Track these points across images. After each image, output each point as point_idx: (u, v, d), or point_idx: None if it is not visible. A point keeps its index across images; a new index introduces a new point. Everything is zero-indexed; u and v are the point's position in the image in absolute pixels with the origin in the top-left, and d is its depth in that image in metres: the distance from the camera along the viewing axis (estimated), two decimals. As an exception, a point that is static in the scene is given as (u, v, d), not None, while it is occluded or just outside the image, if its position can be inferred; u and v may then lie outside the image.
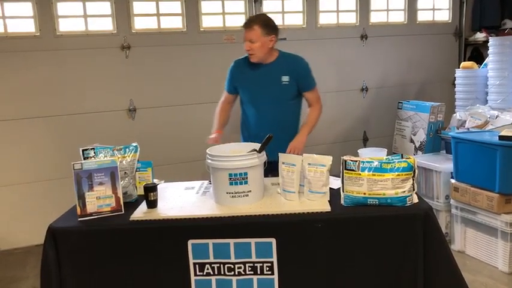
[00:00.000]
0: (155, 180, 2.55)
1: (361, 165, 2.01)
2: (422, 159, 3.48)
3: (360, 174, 2.00)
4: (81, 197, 2.09)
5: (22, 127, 3.62)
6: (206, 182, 2.51)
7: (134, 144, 2.39)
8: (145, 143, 3.90)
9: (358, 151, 2.56)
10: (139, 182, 2.41)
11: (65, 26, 3.64)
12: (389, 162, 2.01)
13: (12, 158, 3.63)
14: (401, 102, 4.09)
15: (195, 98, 3.99)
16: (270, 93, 2.72)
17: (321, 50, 4.29)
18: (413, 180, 2.01)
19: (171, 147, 4.01)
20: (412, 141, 3.97)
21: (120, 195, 2.15)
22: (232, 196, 2.09)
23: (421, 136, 3.87)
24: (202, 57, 3.96)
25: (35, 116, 3.64)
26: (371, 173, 1.99)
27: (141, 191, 2.27)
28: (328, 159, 2.12)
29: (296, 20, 4.29)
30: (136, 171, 2.39)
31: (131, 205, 2.20)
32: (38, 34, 3.57)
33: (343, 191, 2.05)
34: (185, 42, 3.93)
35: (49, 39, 3.59)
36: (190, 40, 3.93)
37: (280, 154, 2.21)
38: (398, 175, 1.98)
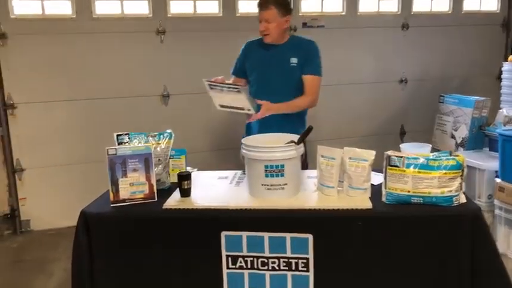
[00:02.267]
0: (188, 168, 2.51)
1: (406, 161, 1.90)
2: (464, 156, 3.31)
3: (405, 171, 1.89)
4: (115, 183, 2.06)
5: (57, 109, 3.64)
6: (240, 172, 2.44)
7: (169, 131, 2.33)
8: (179, 130, 3.85)
9: (400, 146, 2.44)
10: (173, 170, 2.36)
11: (101, 8, 3.62)
12: (437, 159, 1.89)
13: (47, 140, 3.66)
14: (443, 96, 3.92)
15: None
16: (277, 73, 2.64)
17: (359, 39, 4.15)
18: (461, 179, 1.89)
19: (204, 135, 3.96)
20: (453, 136, 3.80)
21: (154, 182, 2.10)
22: (267, 188, 2.01)
23: (463, 132, 3.70)
24: (238, 43, 3.86)
25: (70, 98, 3.65)
26: (417, 170, 1.87)
27: (174, 179, 2.23)
28: (370, 154, 2.01)
29: (335, 6, 4.15)
30: (170, 158, 2.35)
31: (164, 192, 2.15)
32: (74, 16, 3.56)
33: (385, 188, 1.95)
34: (221, 27, 3.85)
35: (85, 22, 3.57)
36: (226, 25, 3.86)
37: (319, 147, 2.11)
38: (445, 173, 1.86)
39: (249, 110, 2.44)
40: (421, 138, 4.49)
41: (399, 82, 4.40)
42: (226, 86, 2.43)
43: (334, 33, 4.00)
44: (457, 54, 4.49)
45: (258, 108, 2.45)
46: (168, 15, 3.74)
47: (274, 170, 2.00)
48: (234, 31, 3.87)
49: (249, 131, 2.76)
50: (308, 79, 2.62)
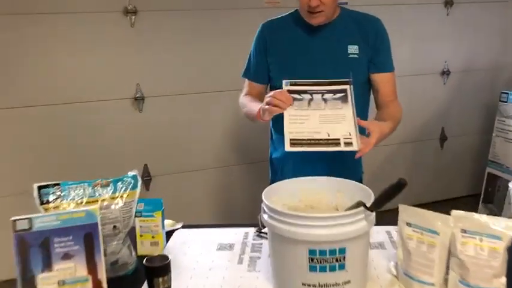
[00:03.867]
0: (168, 223, 1.58)
1: None
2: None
3: None
4: (28, 282, 1.11)
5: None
6: (252, 232, 1.51)
7: (132, 173, 1.40)
8: (157, 144, 2.88)
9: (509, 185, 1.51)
10: (142, 236, 1.43)
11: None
12: None
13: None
14: (507, 93, 2.99)
15: (224, 82, 2.94)
16: (327, 70, 1.60)
17: (391, 19, 3.10)
18: None
19: (191, 149, 3.00)
20: (521, 146, 2.90)
21: (103, 274, 1.16)
22: (314, 291, 1.08)
23: (536, 140, 2.80)
24: (235, 27, 2.90)
25: (6, 106, 2.64)
26: None
27: (144, 251, 1.37)
28: (508, 226, 1.08)
29: (360, -22, 3.18)
30: (136, 217, 1.42)
31: (126, 283, 1.22)
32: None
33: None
34: (212, 5, 2.86)
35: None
36: (218, 3, 2.87)
37: (401, 207, 1.18)
38: None
39: (348, 141, 1.38)
40: (466, 144, 3.63)
41: (440, 74, 3.47)
42: (323, 85, 1.49)
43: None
44: None
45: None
46: (141, -11, 2.74)
47: (326, 259, 1.07)
48: (228, 9, 2.89)
49: (274, 166, 1.85)
50: (386, 79, 1.68)
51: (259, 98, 1.75)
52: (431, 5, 3.33)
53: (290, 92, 1.48)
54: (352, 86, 1.49)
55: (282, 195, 1.30)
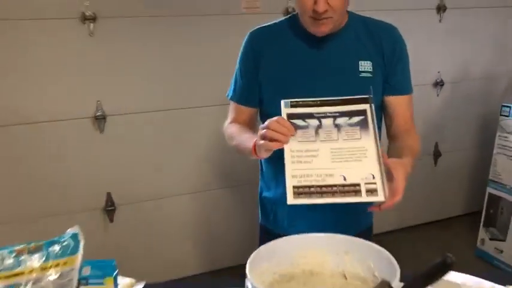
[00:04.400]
0: (124, 285, 1.26)
1: None
2: None
3: None
4: None
5: None
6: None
7: (72, 231, 1.06)
8: (122, 169, 2.53)
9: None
10: (88, 312, 1.09)
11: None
12: None
13: None
14: (508, 107, 2.74)
15: (200, 98, 2.61)
16: (334, 91, 1.24)
17: None
18: None
19: (162, 174, 2.65)
20: (525, 165, 2.65)
21: None
22: None
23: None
24: (210, 35, 2.57)
25: None
26: None
27: None
28: None
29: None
30: (81, 285, 1.08)
31: None
32: None
33: None
34: (184, 11, 2.53)
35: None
36: (191, 9, 2.54)
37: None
38: None
39: (371, 187, 1.05)
40: (462, 161, 3.38)
41: (433, 85, 3.21)
42: (335, 105, 1.15)
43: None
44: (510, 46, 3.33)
45: None
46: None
47: None
48: (200, 15, 2.56)
49: (266, 209, 1.51)
50: (404, 103, 1.37)
51: (250, 124, 1.43)
52: (422, 11, 3.07)
53: (291, 116, 1.14)
54: (373, 105, 1.16)
55: (273, 260, 0.97)
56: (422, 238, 3.08)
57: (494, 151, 2.80)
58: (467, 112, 3.29)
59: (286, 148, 1.10)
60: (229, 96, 1.45)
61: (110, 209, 2.56)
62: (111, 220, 2.58)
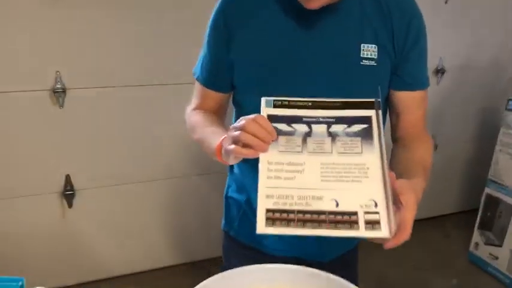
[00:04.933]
0: None
1: None
2: None
3: None
4: None
5: None
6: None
7: None
8: (83, 149, 2.25)
9: None
10: None
11: None
12: None
13: None
14: (513, 100, 2.49)
15: (173, 73, 2.32)
16: (329, 81, 1.01)
17: None
18: None
19: (127, 156, 2.39)
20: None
21: None
22: None
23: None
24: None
25: None
26: None
27: None
28: None
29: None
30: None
31: None
32: None
33: None
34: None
35: None
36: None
37: None
38: None
39: (373, 219, 0.77)
40: (459, 154, 3.15)
41: (434, 72, 2.94)
42: (331, 108, 0.89)
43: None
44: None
45: None
46: None
47: None
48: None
49: (231, 211, 1.26)
50: (417, 100, 1.08)
51: (219, 112, 1.16)
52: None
53: (273, 119, 0.87)
54: (380, 111, 0.89)
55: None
56: (412, 238, 2.84)
57: (496, 148, 2.56)
58: (469, 103, 3.04)
59: (263, 158, 0.84)
60: (195, 75, 1.16)
61: (69, 193, 2.29)
62: (70, 206, 2.32)
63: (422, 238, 2.87)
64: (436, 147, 3.06)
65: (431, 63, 2.90)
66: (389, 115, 1.11)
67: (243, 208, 1.20)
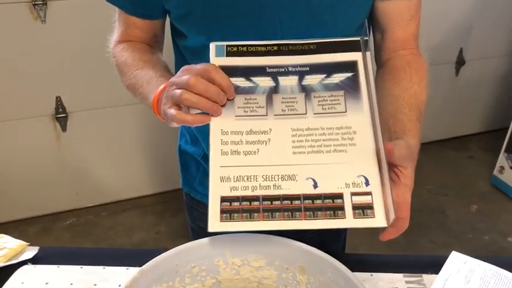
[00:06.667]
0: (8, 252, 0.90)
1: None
2: None
3: None
4: None
5: None
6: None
7: None
8: (74, 68, 2.04)
9: None
10: None
11: None
12: None
13: None
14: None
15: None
16: (292, 10, 0.72)
17: None
18: None
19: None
20: None
21: None
22: None
23: None
24: None
25: None
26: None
27: None
28: None
29: None
30: None
31: None
32: None
33: None
34: None
35: None
36: None
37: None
38: None
39: (364, 202, 0.57)
40: (489, 71, 2.85)
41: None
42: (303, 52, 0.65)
43: None
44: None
45: None
46: None
47: None
48: None
49: (186, 165, 1.01)
50: (406, 9, 0.76)
51: (153, 42, 0.87)
52: None
53: (225, 70, 0.62)
54: (370, 53, 0.65)
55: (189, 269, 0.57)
56: (431, 159, 2.66)
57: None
58: (501, 14, 2.68)
59: (214, 127, 0.62)
60: (121, 4, 0.82)
61: (61, 116, 2.15)
62: (64, 130, 2.19)
63: (441, 160, 2.70)
64: (463, 62, 2.77)
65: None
66: (373, 34, 0.84)
67: (202, 165, 0.95)
